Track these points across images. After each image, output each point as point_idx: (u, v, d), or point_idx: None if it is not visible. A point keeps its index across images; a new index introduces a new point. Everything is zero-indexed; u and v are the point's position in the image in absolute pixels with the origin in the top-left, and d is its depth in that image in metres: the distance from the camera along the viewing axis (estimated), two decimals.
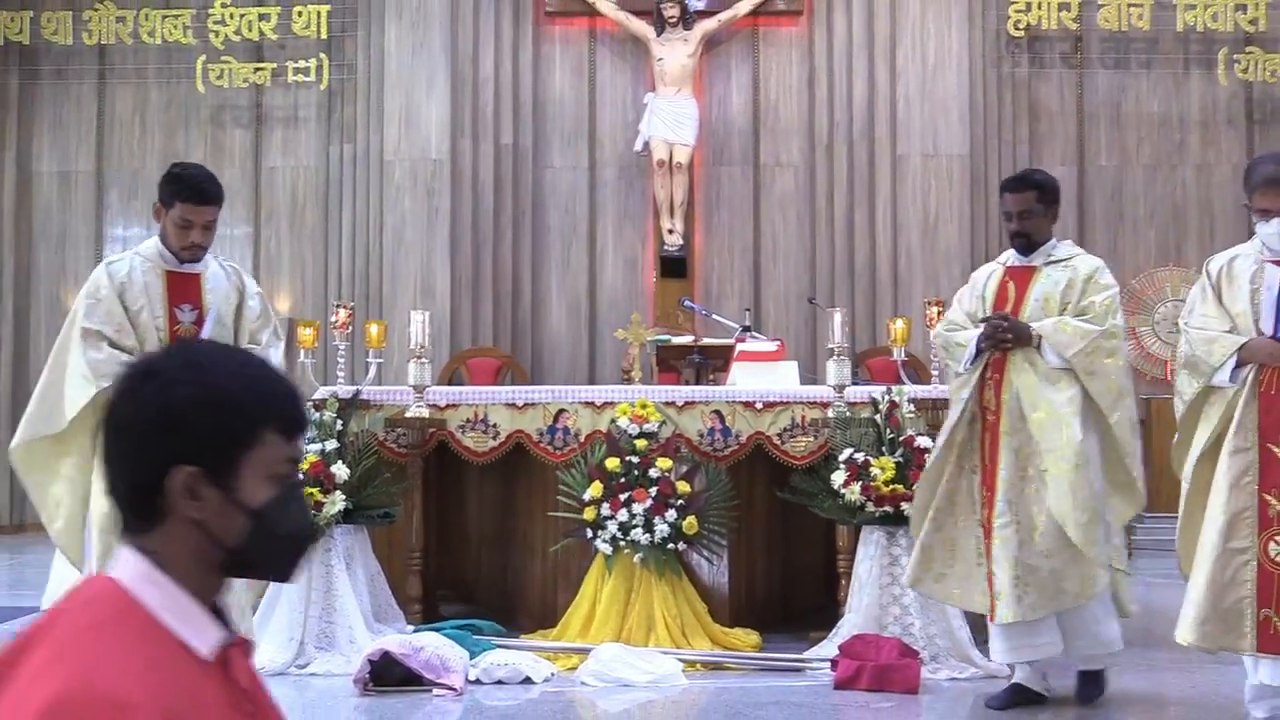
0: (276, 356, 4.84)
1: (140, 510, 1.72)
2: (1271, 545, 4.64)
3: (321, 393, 7.10)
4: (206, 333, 4.60)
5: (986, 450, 5.48)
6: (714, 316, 9.84)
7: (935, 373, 7.94)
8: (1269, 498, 4.68)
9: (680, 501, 6.66)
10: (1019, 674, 5.55)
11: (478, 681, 6.07)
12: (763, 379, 7.48)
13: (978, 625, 6.77)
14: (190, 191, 4.69)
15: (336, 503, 6.36)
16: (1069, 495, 5.21)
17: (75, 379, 4.58)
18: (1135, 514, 5.84)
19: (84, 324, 4.66)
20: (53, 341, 12.57)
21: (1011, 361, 5.41)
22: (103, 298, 4.70)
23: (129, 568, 1.69)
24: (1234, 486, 4.73)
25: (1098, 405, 5.41)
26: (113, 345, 4.63)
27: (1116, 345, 5.45)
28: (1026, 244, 5.58)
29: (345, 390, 7.15)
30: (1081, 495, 5.22)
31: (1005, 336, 5.37)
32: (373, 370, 7.93)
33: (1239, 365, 4.78)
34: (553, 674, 6.23)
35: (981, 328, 5.46)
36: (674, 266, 11.45)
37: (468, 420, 7.14)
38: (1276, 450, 4.68)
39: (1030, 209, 5.55)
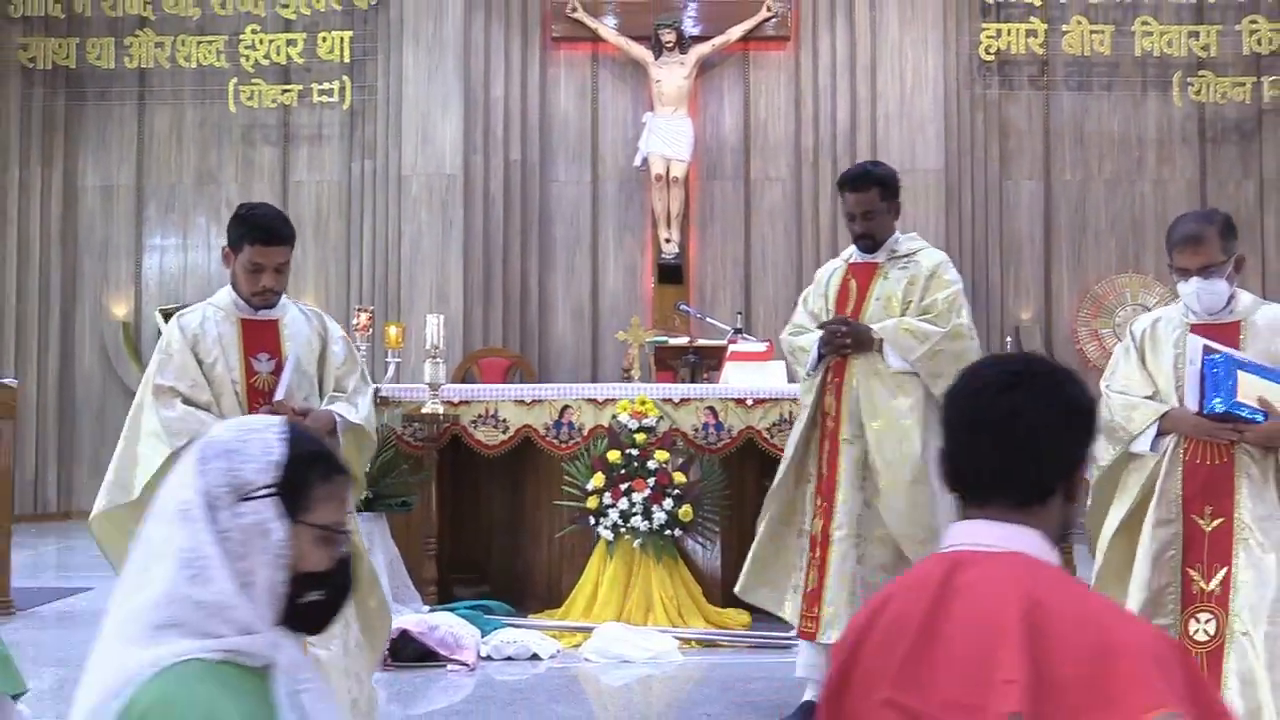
0: (365, 403, 4.08)
1: (1033, 496, 1.80)
2: (1192, 623, 3.91)
3: None
4: (284, 382, 3.89)
5: (825, 459, 4.86)
6: (708, 319, 9.80)
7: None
8: (1193, 573, 3.93)
9: (677, 491, 6.65)
10: (810, 692, 4.93)
11: (488, 658, 6.06)
12: (753, 377, 7.44)
13: None
14: (259, 232, 3.97)
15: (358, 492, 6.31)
16: (906, 512, 4.66)
17: (148, 440, 3.89)
18: None
19: (157, 381, 3.94)
20: (96, 344, 12.65)
21: (852, 366, 4.82)
22: (174, 352, 3.97)
23: (1034, 541, 1.78)
24: (1156, 561, 3.97)
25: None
26: (187, 401, 3.89)
27: (963, 346, 4.79)
28: (871, 244, 4.98)
29: None
30: (919, 513, 4.63)
31: (844, 341, 4.79)
32: (391, 369, 7.90)
33: (1160, 434, 4.00)
34: (558, 651, 6.22)
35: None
36: (671, 273, 11.43)
37: (479, 416, 7.11)
38: (1201, 523, 3.91)
39: (873, 208, 4.92)
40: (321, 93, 12.01)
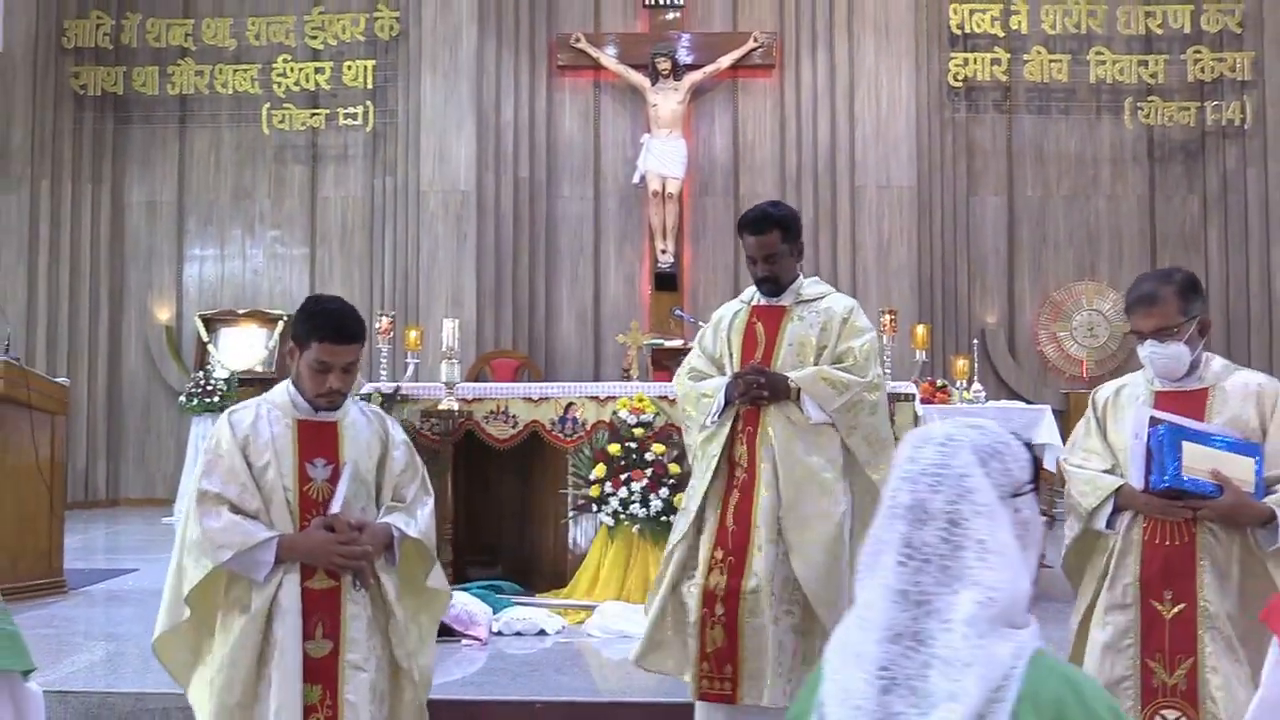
0: (425, 516, 3.45)
1: None
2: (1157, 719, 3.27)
3: (367, 388, 7.06)
4: (341, 492, 3.26)
5: (734, 511, 4.12)
6: (700, 324, 9.74)
7: (888, 370, 7.88)
8: (1153, 664, 3.29)
9: (672, 480, 6.64)
10: None
11: (500, 633, 6.05)
12: None
13: None
14: (328, 330, 3.29)
15: None
16: (824, 573, 4.01)
17: (191, 552, 3.24)
18: None
19: (203, 485, 3.28)
20: (141, 346, 12.60)
21: (767, 414, 4.14)
22: (224, 453, 3.30)
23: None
24: (1111, 649, 3.35)
25: (859, 462, 4.17)
26: (234, 509, 3.24)
27: (878, 398, 4.20)
28: (775, 287, 4.31)
29: (387, 386, 7.12)
30: (835, 574, 4.01)
31: (761, 393, 4.11)
32: (410, 369, 7.90)
33: (1118, 510, 3.40)
34: (563, 627, 6.20)
35: (729, 375, 4.24)
36: (666, 281, 11.42)
37: (491, 412, 7.09)
38: (1161, 609, 3.24)
39: (775, 250, 4.24)
40: (347, 116, 12.00)
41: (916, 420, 6.95)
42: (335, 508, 3.23)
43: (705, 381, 4.32)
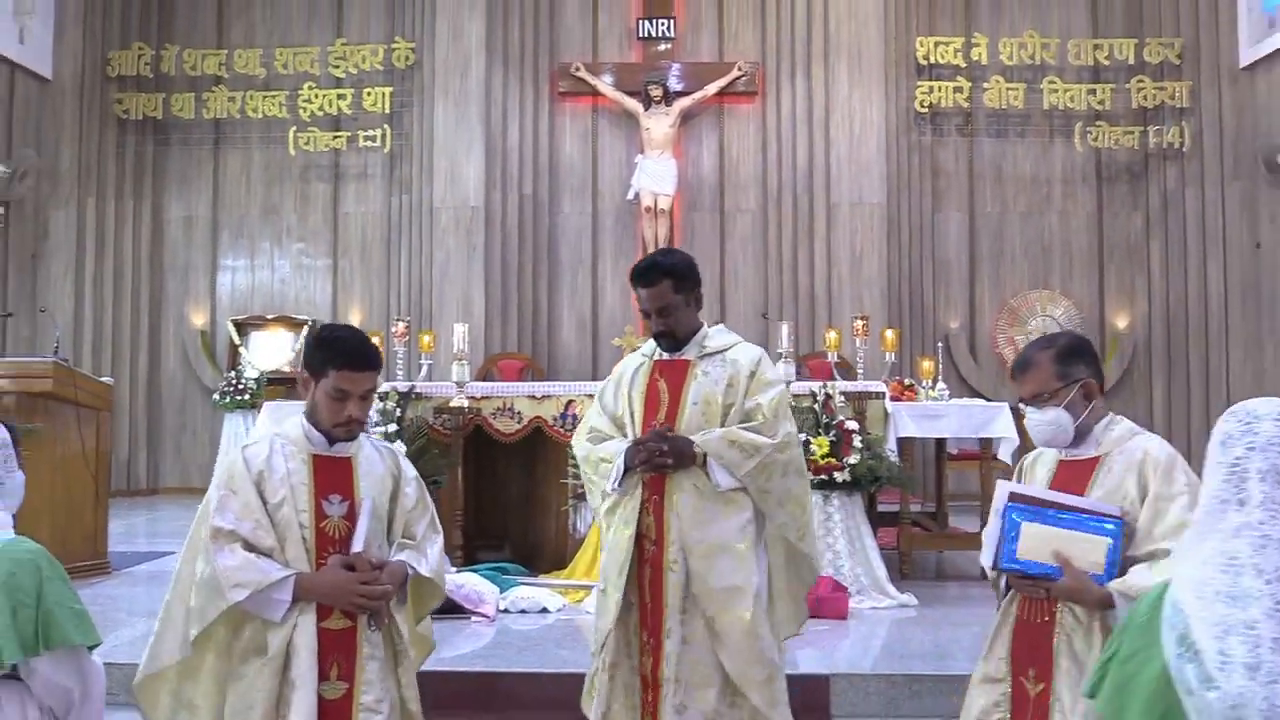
0: (435, 553, 3.11)
1: None
2: None
3: (385, 387, 7.05)
4: (363, 530, 2.90)
5: (648, 587, 3.46)
6: None
7: (860, 370, 7.90)
8: None
9: None
10: None
11: (506, 611, 6.04)
12: None
13: (893, 564, 6.76)
14: (346, 357, 2.94)
15: None
16: (744, 650, 3.38)
17: (201, 591, 2.82)
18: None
19: (215, 523, 2.86)
20: (179, 349, 12.60)
21: (672, 481, 3.46)
22: (238, 489, 2.90)
23: None
24: (985, 717, 2.95)
25: (776, 527, 3.52)
26: (248, 547, 2.83)
27: (790, 458, 3.50)
28: (673, 342, 3.59)
29: (403, 385, 7.11)
30: (757, 648, 3.39)
31: (665, 461, 3.43)
32: (424, 370, 7.89)
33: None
34: (564, 605, 6.19)
35: (630, 440, 3.54)
36: None
37: (498, 409, 7.09)
38: (1028, 686, 2.85)
39: (667, 302, 3.54)
40: (366, 139, 12.00)
41: (886, 415, 6.96)
42: (358, 546, 2.87)
43: (605, 444, 3.59)
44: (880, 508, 7.22)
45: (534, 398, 7.10)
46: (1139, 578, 2.59)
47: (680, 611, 3.41)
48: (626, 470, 3.49)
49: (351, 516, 2.92)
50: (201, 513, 2.89)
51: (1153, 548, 2.66)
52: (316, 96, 12.04)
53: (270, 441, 2.97)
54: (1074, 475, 2.84)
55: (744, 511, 3.46)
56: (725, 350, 3.59)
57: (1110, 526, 2.66)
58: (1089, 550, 2.68)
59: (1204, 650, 1.70)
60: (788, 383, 3.52)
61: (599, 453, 3.58)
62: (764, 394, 3.50)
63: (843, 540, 6.23)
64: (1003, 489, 2.85)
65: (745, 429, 3.46)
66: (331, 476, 2.94)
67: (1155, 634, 1.78)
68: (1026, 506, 2.77)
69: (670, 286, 3.53)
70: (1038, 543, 2.72)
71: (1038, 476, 2.93)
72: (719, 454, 3.42)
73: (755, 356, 3.59)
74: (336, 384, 2.91)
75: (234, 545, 2.82)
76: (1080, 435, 2.86)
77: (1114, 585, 2.63)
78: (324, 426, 2.96)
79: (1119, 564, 2.65)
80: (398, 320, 8.23)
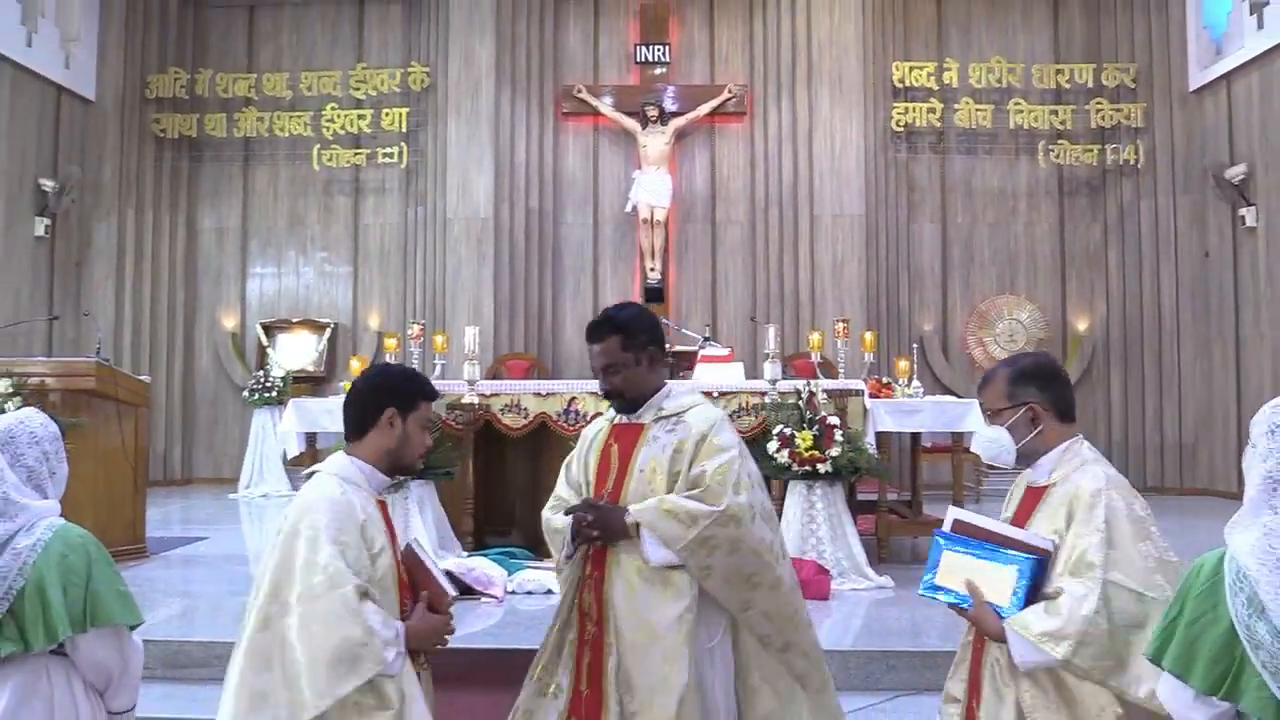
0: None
1: None
2: None
3: None
4: (437, 571, 2.64)
5: (586, 671, 2.90)
6: (683, 331, 9.79)
7: (841, 370, 7.90)
8: None
9: None
10: None
11: (513, 592, 6.03)
12: (717, 376, 7.43)
13: (871, 549, 6.75)
14: (428, 387, 2.70)
15: None
16: None
17: (346, 658, 2.33)
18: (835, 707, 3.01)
19: (355, 580, 2.38)
20: (211, 350, 12.54)
21: (614, 556, 2.91)
22: (351, 542, 2.42)
23: None
24: None
25: (729, 611, 2.86)
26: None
27: (740, 534, 2.82)
28: (625, 404, 3.06)
29: None
30: None
31: (590, 533, 2.93)
32: (438, 369, 7.88)
33: None
34: None
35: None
36: (654, 295, 11.41)
37: (506, 405, 7.08)
38: (978, 712, 2.54)
39: (615, 360, 2.99)
40: (384, 155, 12.01)
41: (865, 411, 6.96)
42: (449, 587, 2.57)
43: (559, 514, 3.09)
44: (860, 496, 7.22)
45: (539, 395, 7.09)
46: (1031, 617, 2.39)
47: (615, 699, 2.81)
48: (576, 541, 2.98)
49: (397, 555, 2.58)
50: (302, 562, 2.37)
51: (1056, 585, 2.42)
52: (339, 117, 12.04)
53: (340, 486, 2.54)
54: (1031, 503, 2.62)
55: (685, 596, 2.81)
56: (683, 412, 2.99)
57: (1021, 558, 2.46)
58: (997, 581, 2.48)
59: (1271, 609, 1.81)
60: (742, 450, 2.94)
61: (554, 523, 3.09)
62: (711, 460, 2.87)
63: (825, 527, 6.23)
64: (949, 515, 2.65)
65: (688, 497, 2.85)
66: (388, 519, 2.62)
67: (1219, 597, 1.88)
68: (957, 535, 2.59)
69: (618, 343, 2.98)
70: (954, 571, 2.55)
71: (1013, 500, 2.71)
72: (653, 524, 2.82)
73: (711, 420, 2.96)
74: (426, 414, 2.68)
75: (369, 603, 2.41)
76: (1028, 458, 2.63)
77: (1008, 621, 2.43)
78: (407, 461, 2.66)
79: (1028, 596, 2.44)
80: (414, 323, 8.21)
